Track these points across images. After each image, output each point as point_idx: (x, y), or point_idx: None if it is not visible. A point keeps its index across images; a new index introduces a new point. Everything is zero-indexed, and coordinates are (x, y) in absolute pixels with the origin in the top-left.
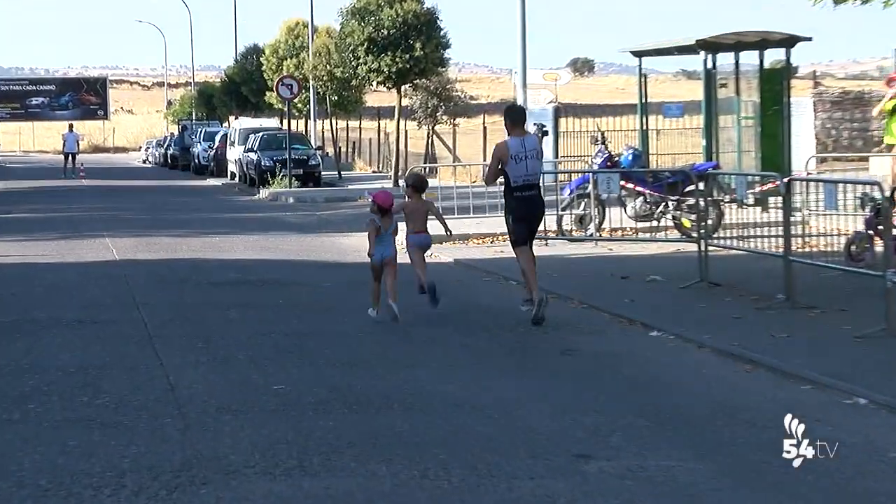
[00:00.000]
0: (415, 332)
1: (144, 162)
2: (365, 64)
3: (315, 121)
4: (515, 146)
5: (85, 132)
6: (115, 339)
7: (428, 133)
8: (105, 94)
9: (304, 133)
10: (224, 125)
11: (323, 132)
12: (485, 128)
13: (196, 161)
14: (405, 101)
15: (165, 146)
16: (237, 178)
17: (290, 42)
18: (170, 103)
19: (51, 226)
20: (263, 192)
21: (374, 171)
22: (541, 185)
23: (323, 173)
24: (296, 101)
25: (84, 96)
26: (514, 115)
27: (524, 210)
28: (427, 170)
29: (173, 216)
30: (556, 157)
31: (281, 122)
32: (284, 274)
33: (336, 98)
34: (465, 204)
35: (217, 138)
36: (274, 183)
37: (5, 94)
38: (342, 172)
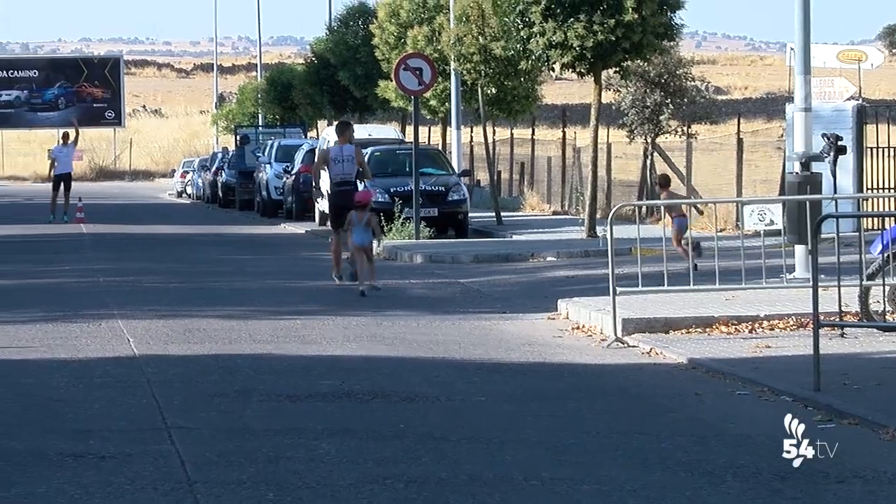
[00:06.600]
0: (633, 477)
1: (180, 195)
2: (542, 35)
3: (459, 129)
4: (336, 151)
5: (86, 146)
6: (133, 486)
7: (646, 150)
8: (118, 83)
9: (440, 149)
10: (310, 135)
11: (472, 148)
12: (740, 141)
13: (264, 194)
14: (608, 97)
15: (214, 170)
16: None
17: (419, 0)
18: (222, 99)
19: (29, 299)
20: (375, 247)
21: (554, 212)
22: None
23: (471, 214)
24: (427, 95)
25: (84, 88)
26: (342, 129)
27: (339, 200)
28: (644, 211)
29: (226, 284)
30: (860, 187)
31: (403, 132)
32: (407, 381)
33: (494, 91)
34: (706, 267)
35: (299, 157)
36: (392, 230)
37: None
38: (503, 214)
